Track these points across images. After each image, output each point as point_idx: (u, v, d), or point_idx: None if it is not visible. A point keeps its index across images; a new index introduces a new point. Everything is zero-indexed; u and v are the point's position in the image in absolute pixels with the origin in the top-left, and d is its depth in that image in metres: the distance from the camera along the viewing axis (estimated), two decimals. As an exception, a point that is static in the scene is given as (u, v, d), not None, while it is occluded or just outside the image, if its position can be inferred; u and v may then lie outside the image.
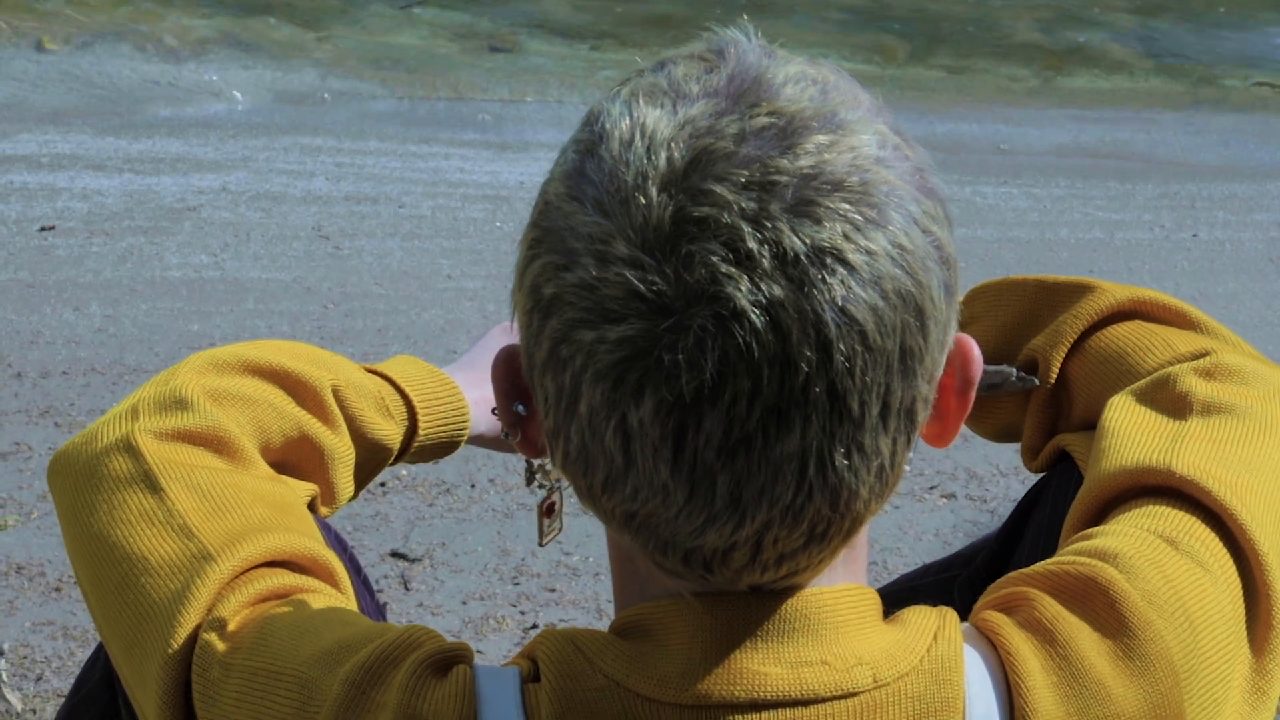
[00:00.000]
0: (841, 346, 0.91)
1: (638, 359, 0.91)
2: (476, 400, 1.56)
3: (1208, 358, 1.30)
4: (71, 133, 9.95)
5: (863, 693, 0.99)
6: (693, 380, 0.90)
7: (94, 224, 7.53)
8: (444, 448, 1.55)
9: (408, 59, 11.15)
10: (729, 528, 0.95)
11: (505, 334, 1.63)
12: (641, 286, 0.91)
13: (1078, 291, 1.42)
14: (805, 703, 0.99)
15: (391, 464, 1.52)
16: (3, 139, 9.55)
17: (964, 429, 1.06)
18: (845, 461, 0.93)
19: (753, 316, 0.89)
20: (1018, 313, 1.46)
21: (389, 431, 1.47)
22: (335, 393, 1.41)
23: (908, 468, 1.00)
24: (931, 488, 4.23)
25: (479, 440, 1.59)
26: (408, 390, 1.50)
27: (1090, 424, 1.36)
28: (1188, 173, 9.60)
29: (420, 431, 1.51)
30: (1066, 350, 1.39)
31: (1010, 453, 3.87)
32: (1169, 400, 1.25)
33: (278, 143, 10.08)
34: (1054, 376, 1.40)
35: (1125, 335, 1.37)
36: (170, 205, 8.02)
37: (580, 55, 10.93)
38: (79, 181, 8.61)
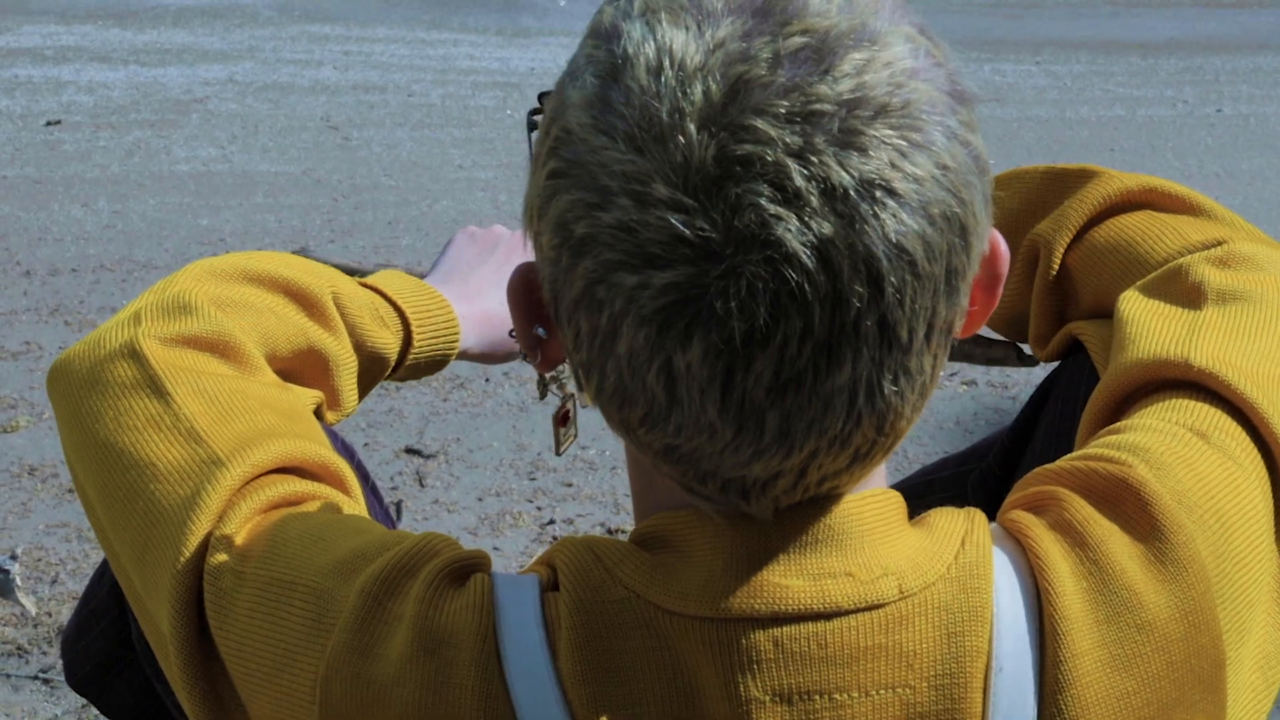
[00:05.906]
0: (893, 279, 0.90)
1: (686, 305, 0.90)
2: (464, 315, 1.55)
3: (1221, 246, 1.29)
4: (75, 24, 9.89)
5: (888, 604, 0.98)
6: (744, 325, 0.90)
7: (100, 118, 7.49)
8: (435, 364, 1.55)
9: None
10: (776, 459, 0.94)
11: (471, 241, 1.62)
12: (687, 231, 0.89)
13: (1085, 178, 1.41)
14: (828, 615, 0.98)
15: (386, 379, 1.51)
16: (6, 32, 9.50)
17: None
18: (894, 387, 0.94)
19: (804, 257, 0.88)
20: (1025, 200, 1.45)
21: (387, 341, 1.46)
22: (335, 300, 1.40)
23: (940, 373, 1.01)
24: (952, 374, 4.22)
25: (465, 355, 1.58)
26: (400, 303, 1.49)
27: (1100, 311, 1.36)
28: (1211, 46, 9.53)
29: (415, 344, 1.50)
30: (1072, 235, 1.38)
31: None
32: (1183, 291, 1.24)
33: (285, 31, 10.03)
34: (1057, 260, 1.39)
35: (1135, 224, 1.36)
36: (177, 97, 7.99)
37: (589, -63, 10.83)
38: (84, 74, 8.56)
